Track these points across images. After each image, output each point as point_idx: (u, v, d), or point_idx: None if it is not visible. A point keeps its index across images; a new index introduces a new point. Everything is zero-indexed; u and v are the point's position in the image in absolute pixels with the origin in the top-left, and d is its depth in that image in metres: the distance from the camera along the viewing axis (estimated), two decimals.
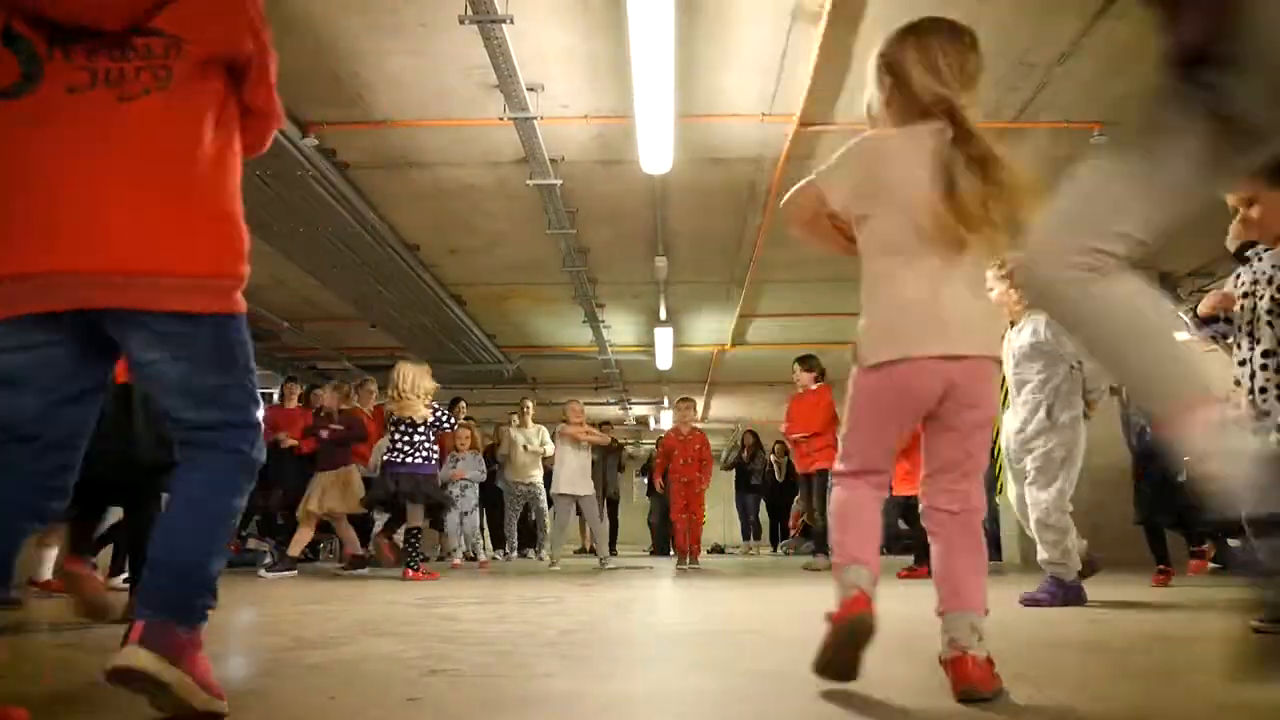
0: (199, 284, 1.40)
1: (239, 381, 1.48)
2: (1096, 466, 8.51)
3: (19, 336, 1.37)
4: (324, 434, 6.87)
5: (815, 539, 7.71)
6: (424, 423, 6.04)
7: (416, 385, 6.01)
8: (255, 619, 3.18)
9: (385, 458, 6.14)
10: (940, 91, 1.75)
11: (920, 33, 1.81)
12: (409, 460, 5.98)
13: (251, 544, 7.58)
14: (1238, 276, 2.82)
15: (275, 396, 8.87)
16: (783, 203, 1.93)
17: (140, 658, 1.33)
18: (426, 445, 6.09)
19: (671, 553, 11.25)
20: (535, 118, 5.44)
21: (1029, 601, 3.57)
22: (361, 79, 5.26)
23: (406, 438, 6.01)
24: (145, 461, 2.92)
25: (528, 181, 6.38)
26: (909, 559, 6.53)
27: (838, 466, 1.85)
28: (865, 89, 1.93)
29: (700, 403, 16.07)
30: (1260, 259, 2.75)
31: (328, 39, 4.83)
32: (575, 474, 7.90)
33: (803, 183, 1.88)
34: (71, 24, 1.33)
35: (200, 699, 1.39)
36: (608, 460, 11.11)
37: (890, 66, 1.83)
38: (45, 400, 1.40)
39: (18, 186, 1.33)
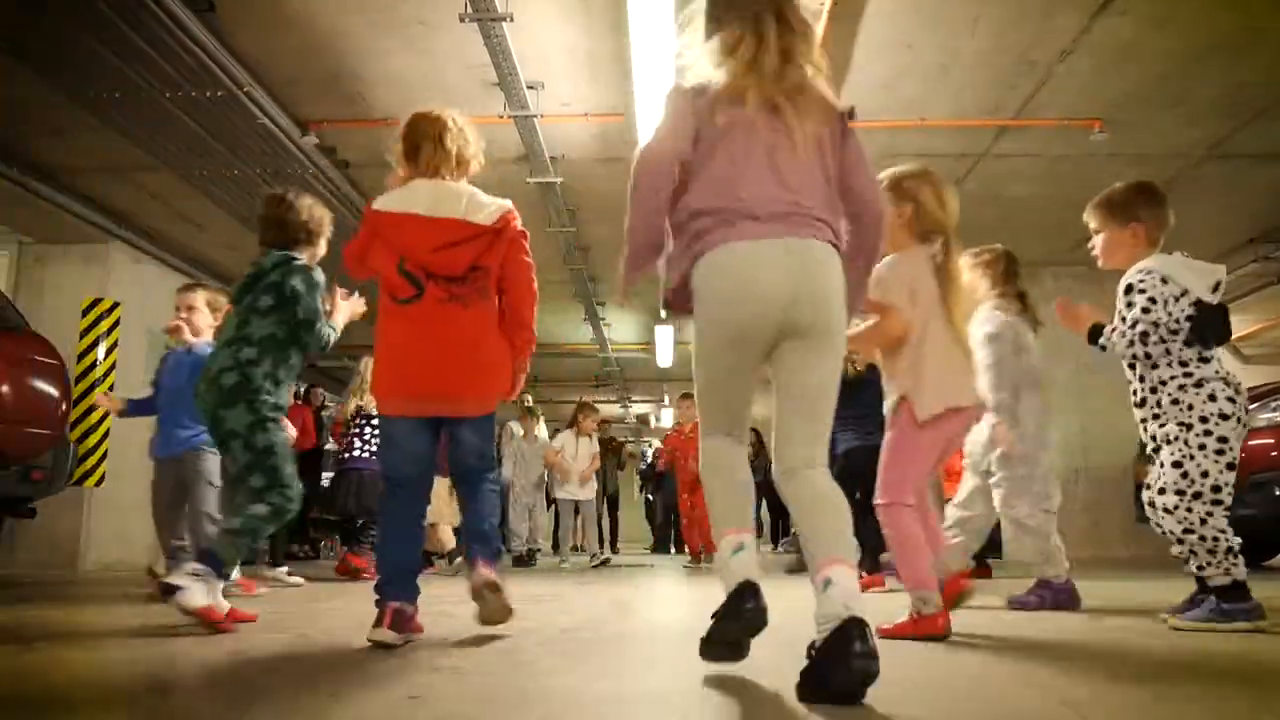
0: (487, 402, 2.64)
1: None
2: (1097, 466, 8.55)
3: (410, 426, 2.57)
4: None
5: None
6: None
7: None
8: (257, 617, 3.18)
9: (346, 455, 5.93)
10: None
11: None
12: (361, 455, 5.85)
13: None
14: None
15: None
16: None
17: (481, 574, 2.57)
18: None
19: (672, 551, 11.30)
20: (536, 116, 5.44)
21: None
22: (361, 77, 5.26)
23: (374, 431, 5.82)
24: None
25: (528, 179, 6.38)
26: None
27: None
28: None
29: None
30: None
31: (327, 37, 4.83)
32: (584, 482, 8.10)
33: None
34: (438, 271, 2.53)
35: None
36: (607, 458, 11.14)
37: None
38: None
39: (416, 347, 2.54)
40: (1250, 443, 5.52)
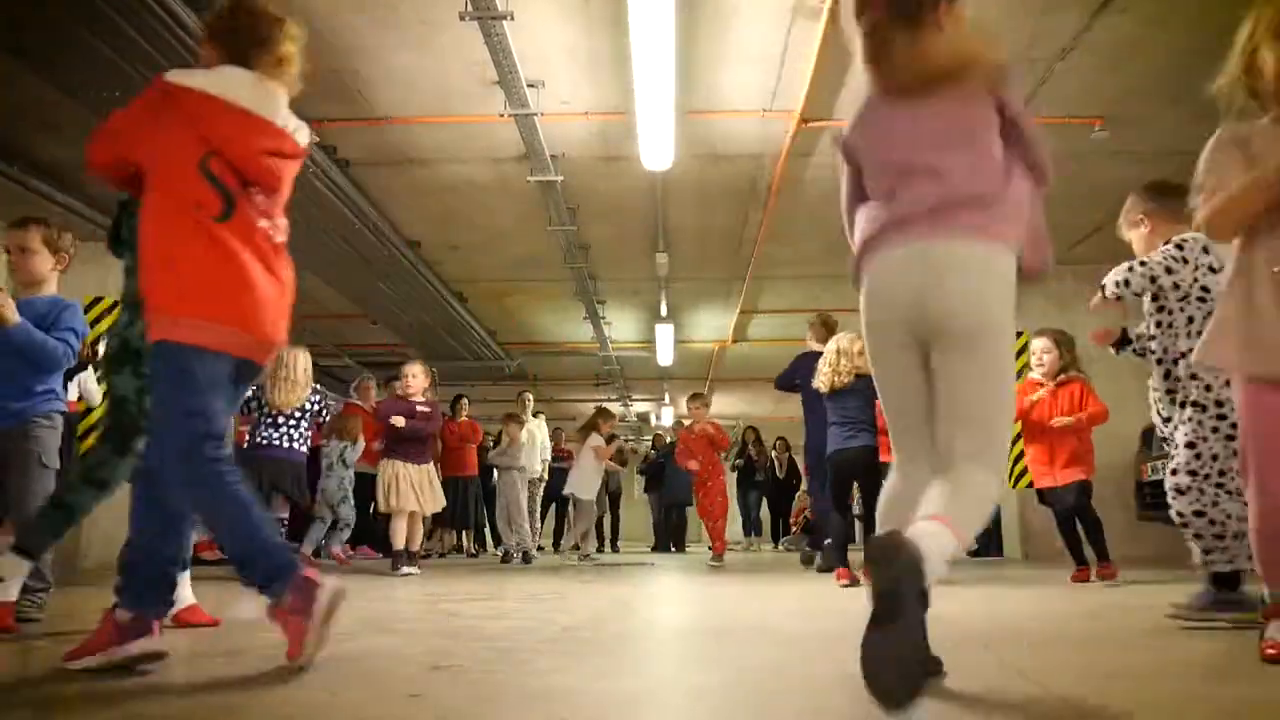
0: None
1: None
2: (1097, 465, 8.53)
3: (227, 368, 1.99)
4: (401, 424, 5.97)
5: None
6: (300, 410, 5.89)
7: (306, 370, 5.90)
8: (257, 615, 3.18)
9: (256, 439, 5.90)
10: None
11: None
12: (279, 444, 5.79)
13: None
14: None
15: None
16: None
17: None
18: (302, 431, 5.93)
19: (671, 549, 11.31)
20: (536, 114, 5.44)
21: None
22: (362, 76, 5.26)
23: (290, 420, 5.86)
24: None
25: (529, 178, 6.38)
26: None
27: None
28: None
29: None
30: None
31: (328, 36, 4.83)
32: (589, 478, 8.22)
33: None
34: (261, 181, 2.05)
35: None
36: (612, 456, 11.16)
37: None
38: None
39: (226, 275, 1.97)
40: None
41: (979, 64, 1.76)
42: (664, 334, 10.72)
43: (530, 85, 5.23)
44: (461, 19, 4.41)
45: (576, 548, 8.30)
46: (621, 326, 11.22)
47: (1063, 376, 5.01)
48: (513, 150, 6.12)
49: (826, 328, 6.03)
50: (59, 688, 1.80)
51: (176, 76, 2.01)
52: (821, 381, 5.05)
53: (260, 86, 2.08)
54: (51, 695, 1.72)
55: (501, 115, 5.45)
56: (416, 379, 6.10)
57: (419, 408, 6.03)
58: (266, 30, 2.11)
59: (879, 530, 1.66)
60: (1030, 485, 8.02)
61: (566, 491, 8.38)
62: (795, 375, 6.09)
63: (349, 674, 1.89)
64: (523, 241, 8.00)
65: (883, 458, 5.27)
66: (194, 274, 1.94)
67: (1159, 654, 2.22)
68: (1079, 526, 5.02)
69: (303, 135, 2.16)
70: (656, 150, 5.75)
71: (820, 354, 5.57)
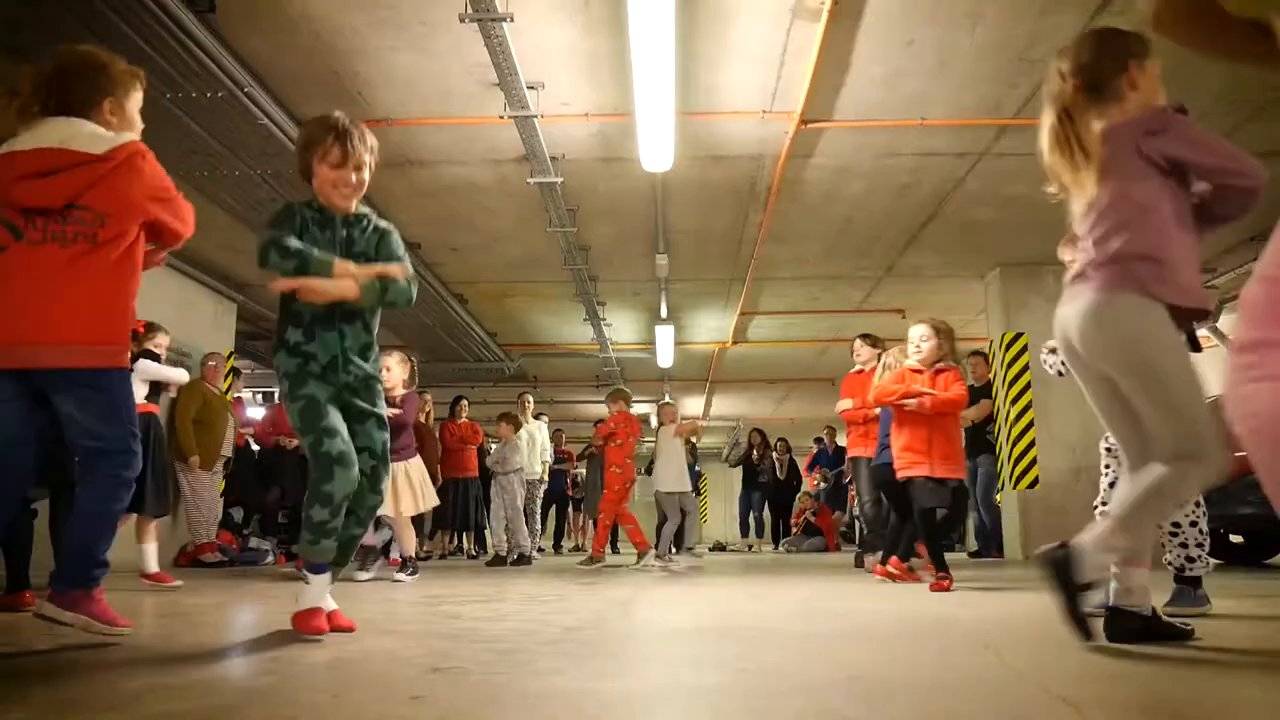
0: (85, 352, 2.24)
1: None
2: (1096, 465, 8.55)
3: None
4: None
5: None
6: None
7: None
8: (258, 617, 3.18)
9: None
10: None
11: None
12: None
13: (253, 542, 7.60)
14: None
15: (277, 396, 8.90)
16: None
17: (46, 608, 2.22)
18: None
19: (673, 550, 11.25)
20: (536, 116, 5.44)
21: None
22: (361, 77, 5.26)
23: None
24: None
25: (528, 179, 6.38)
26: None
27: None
28: None
29: (702, 400, 16.06)
30: None
31: (327, 37, 4.83)
32: (679, 471, 7.69)
33: None
34: (34, 205, 2.23)
35: (100, 630, 2.25)
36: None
37: None
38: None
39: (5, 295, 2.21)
40: None
41: None
42: (664, 335, 10.72)
43: (530, 87, 5.24)
44: (461, 20, 4.41)
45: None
46: (621, 328, 11.23)
47: (940, 365, 4.79)
48: (512, 152, 6.12)
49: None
50: (59, 688, 1.80)
51: None
52: (870, 394, 5.27)
53: (29, 128, 2.31)
54: (52, 695, 1.72)
55: (501, 117, 5.46)
56: (393, 371, 5.57)
57: (392, 410, 5.33)
58: (25, 93, 2.35)
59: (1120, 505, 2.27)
60: (1032, 485, 8.09)
61: (670, 490, 7.75)
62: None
63: (350, 675, 1.89)
64: (523, 243, 8.01)
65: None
66: None
67: (1159, 654, 2.22)
68: (922, 528, 4.63)
69: (93, 142, 2.29)
70: (656, 151, 5.76)
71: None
